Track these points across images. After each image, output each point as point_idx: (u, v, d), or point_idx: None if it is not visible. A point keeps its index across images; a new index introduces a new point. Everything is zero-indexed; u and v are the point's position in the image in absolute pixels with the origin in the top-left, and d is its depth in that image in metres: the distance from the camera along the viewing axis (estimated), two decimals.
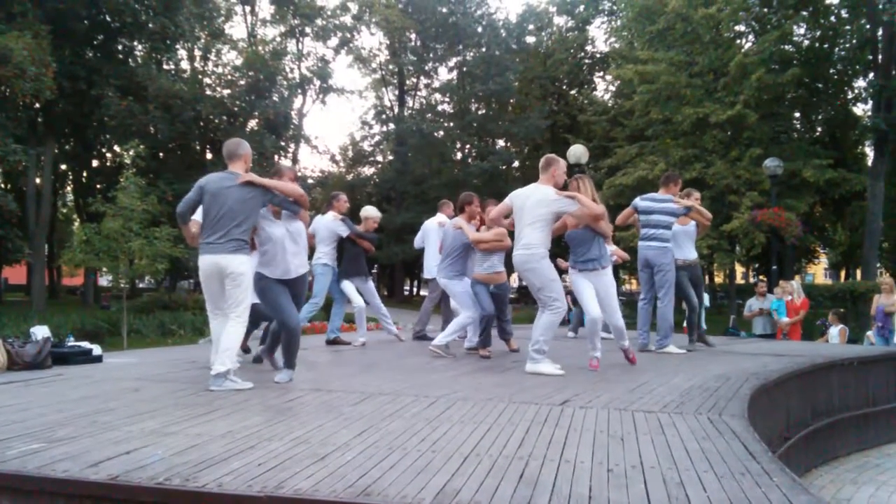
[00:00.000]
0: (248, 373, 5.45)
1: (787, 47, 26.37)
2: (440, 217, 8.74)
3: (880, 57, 24.82)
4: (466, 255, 7.41)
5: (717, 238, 22.44)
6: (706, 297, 12.17)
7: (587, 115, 31.94)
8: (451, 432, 3.55)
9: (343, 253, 8.20)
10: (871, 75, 25.94)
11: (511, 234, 6.34)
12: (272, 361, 5.92)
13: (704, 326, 8.75)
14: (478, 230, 7.11)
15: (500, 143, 41.92)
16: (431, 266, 8.53)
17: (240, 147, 5.22)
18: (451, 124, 41.54)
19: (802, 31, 27.59)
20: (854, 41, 26.59)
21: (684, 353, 7.42)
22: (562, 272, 7.01)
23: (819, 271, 48.46)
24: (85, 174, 35.73)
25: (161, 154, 30.71)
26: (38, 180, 29.48)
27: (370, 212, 8.35)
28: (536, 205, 5.80)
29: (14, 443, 3.22)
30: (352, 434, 3.47)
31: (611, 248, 8.00)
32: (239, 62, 32.83)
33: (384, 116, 44.21)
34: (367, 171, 46.17)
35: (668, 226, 7.45)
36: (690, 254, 7.95)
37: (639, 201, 7.60)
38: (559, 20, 41.50)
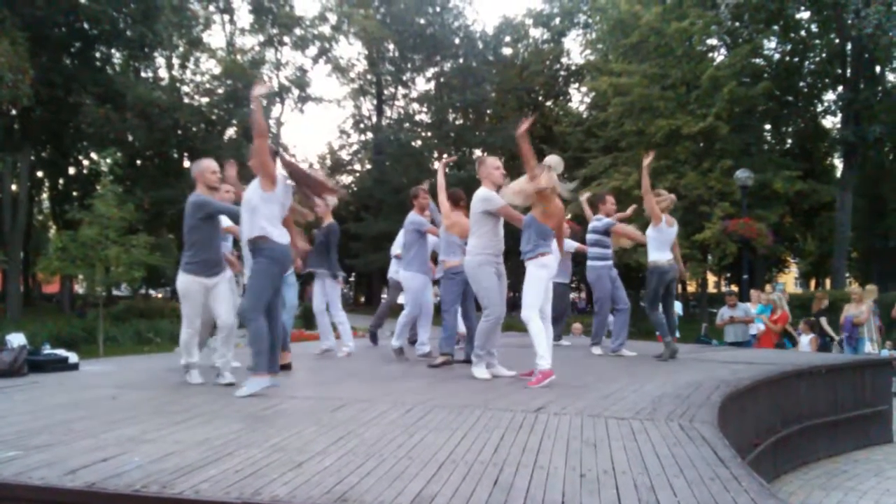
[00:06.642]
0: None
1: (758, 61, 26.86)
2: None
3: (849, 71, 25.38)
4: (423, 245, 7.36)
5: (690, 248, 22.69)
6: (678, 306, 12.23)
7: (562, 126, 32.10)
8: (427, 439, 3.58)
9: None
10: (840, 89, 26.44)
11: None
12: None
13: (676, 335, 8.78)
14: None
15: (477, 152, 42.01)
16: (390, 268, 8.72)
17: (192, 170, 5.47)
18: (429, 134, 41.63)
19: (773, 44, 28.13)
20: (823, 55, 27.15)
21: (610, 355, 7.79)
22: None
23: (790, 280, 49.02)
24: (61, 181, 35.32)
25: (138, 162, 30.51)
26: (14, 187, 29.09)
27: None
28: (472, 209, 5.86)
29: None
30: (329, 441, 3.49)
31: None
32: (217, 71, 32.74)
33: (362, 126, 44.21)
34: (346, 179, 46.10)
35: (597, 243, 7.89)
36: (651, 256, 7.61)
37: None
38: (535, 32, 41.74)
